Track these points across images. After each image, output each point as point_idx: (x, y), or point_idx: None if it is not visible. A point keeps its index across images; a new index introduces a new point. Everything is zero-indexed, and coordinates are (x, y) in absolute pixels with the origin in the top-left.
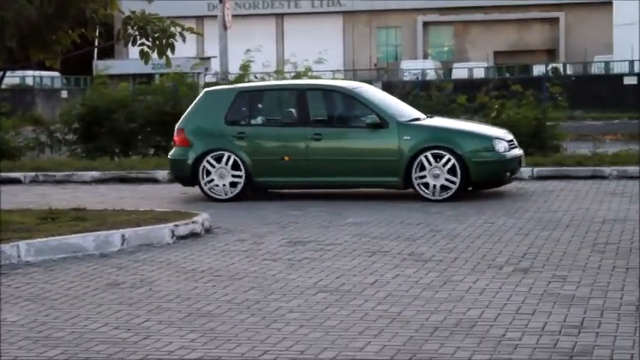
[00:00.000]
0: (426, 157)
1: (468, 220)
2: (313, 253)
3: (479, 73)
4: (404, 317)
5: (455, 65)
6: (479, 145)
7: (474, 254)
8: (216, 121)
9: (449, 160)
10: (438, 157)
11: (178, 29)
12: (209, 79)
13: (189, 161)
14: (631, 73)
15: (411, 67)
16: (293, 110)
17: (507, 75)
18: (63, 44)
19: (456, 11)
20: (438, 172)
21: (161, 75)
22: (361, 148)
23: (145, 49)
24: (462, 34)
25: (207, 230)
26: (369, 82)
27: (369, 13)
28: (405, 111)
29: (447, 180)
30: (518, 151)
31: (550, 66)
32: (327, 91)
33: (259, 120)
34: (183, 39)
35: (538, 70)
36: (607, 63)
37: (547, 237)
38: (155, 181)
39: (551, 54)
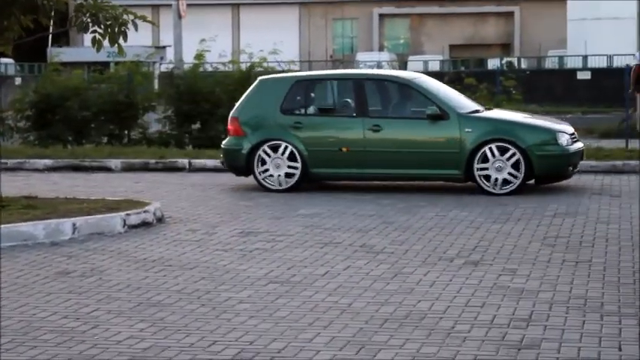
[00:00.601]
0: (490, 149)
1: (420, 212)
2: (265, 243)
3: (434, 66)
4: (354, 309)
5: (410, 58)
6: (542, 139)
7: (425, 246)
8: (272, 111)
9: (514, 153)
10: (501, 150)
11: (131, 17)
12: (163, 68)
13: (244, 151)
14: (584, 68)
15: (367, 59)
16: (351, 100)
17: (462, 68)
18: (15, 31)
19: (411, 3)
20: (501, 165)
21: (116, 63)
22: (421, 140)
23: (97, 36)
24: (417, 26)
25: (159, 219)
26: None
27: (325, 5)
28: (464, 102)
29: (509, 174)
30: (580, 145)
31: (505, 60)
32: (386, 81)
33: (316, 110)
34: (136, 27)
35: (493, 63)
36: (561, 58)
37: (498, 230)
38: (108, 169)
39: (506, 48)
